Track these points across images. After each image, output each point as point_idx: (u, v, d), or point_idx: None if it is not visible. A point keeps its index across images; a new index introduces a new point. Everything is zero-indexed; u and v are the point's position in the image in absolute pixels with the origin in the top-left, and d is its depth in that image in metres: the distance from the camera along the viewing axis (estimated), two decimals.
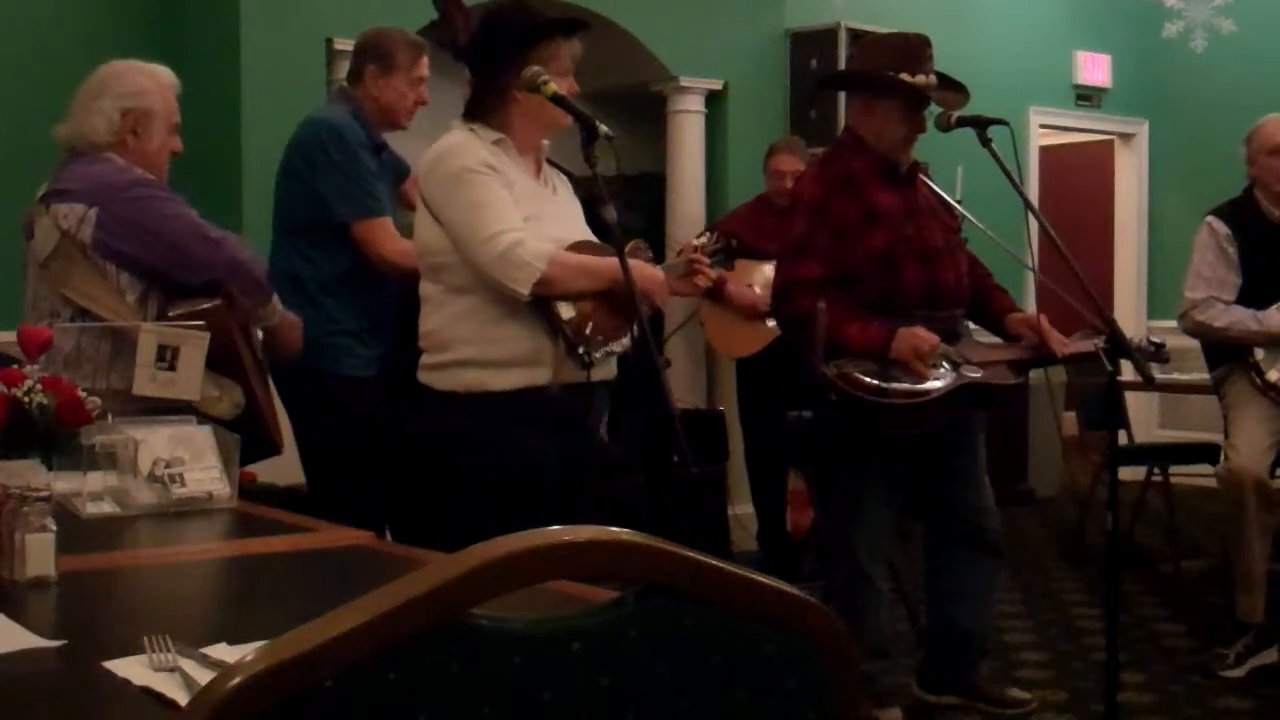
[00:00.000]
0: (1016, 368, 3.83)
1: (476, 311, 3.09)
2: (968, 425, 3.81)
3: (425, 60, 3.98)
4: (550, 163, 3.30)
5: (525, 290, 3.00)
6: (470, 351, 3.10)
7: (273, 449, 3.25)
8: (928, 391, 3.58)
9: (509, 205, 3.05)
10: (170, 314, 3.04)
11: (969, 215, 3.90)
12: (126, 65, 3.22)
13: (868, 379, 3.54)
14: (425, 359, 3.20)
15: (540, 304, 3.04)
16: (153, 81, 3.19)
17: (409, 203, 4.12)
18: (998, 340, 3.98)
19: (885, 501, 3.81)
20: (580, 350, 3.07)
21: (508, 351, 3.08)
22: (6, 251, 3.36)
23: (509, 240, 2.98)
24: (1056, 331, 3.81)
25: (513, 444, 3.09)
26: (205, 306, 3.04)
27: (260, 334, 3.37)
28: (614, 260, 2.89)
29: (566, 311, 3.07)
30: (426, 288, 3.19)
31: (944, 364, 3.64)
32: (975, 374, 3.67)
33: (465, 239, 3.04)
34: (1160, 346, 3.64)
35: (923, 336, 3.57)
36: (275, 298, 3.36)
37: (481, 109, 3.16)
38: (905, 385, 3.57)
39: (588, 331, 3.08)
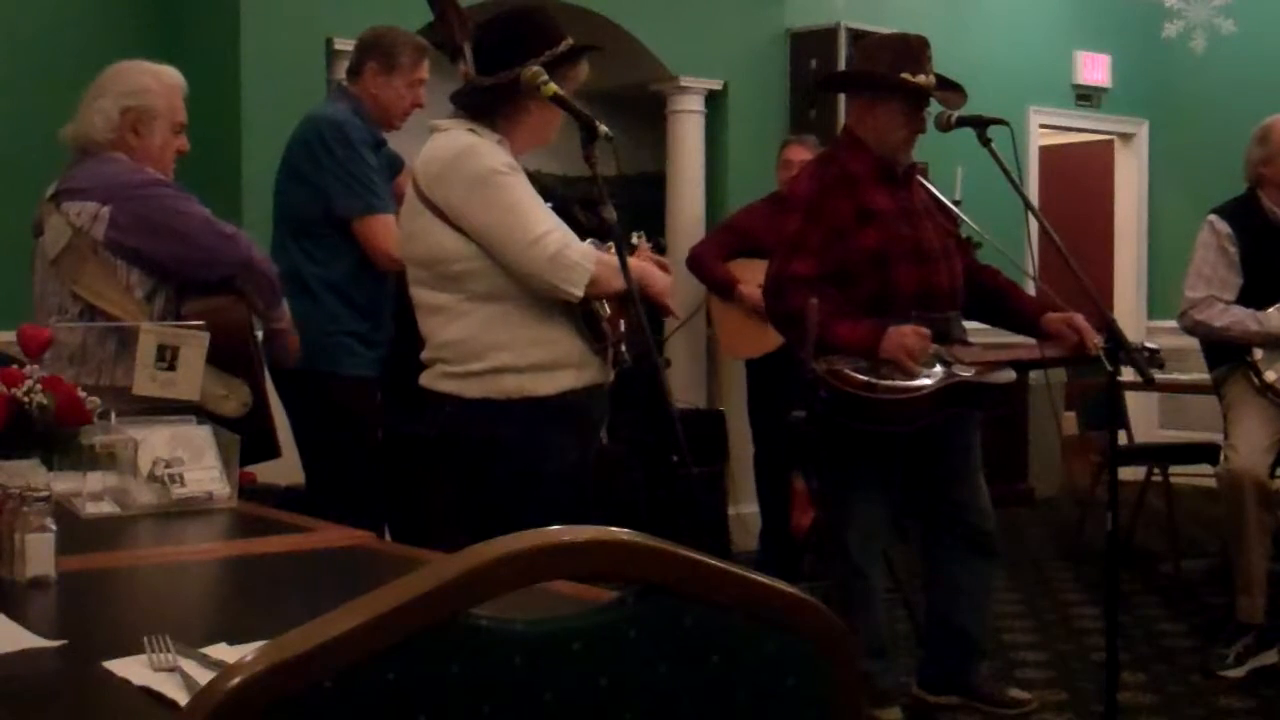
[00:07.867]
0: (1013, 368, 3.82)
1: (509, 317, 2.98)
2: (963, 425, 3.81)
3: (426, 64, 3.96)
4: None
5: (580, 291, 2.93)
6: (507, 358, 2.99)
7: (274, 450, 3.24)
8: (918, 388, 3.58)
9: (543, 206, 2.97)
10: (184, 309, 3.03)
11: (965, 218, 3.90)
12: (130, 65, 3.23)
13: (857, 375, 3.55)
14: (447, 369, 3.06)
15: (578, 305, 2.97)
16: (156, 81, 3.19)
17: (402, 197, 4.12)
18: (999, 341, 3.97)
19: (879, 500, 3.81)
20: (619, 350, 3.04)
21: (548, 355, 3.00)
22: (7, 251, 3.36)
23: (558, 241, 2.91)
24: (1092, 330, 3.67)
25: (557, 449, 3.01)
26: (220, 300, 3.05)
27: (260, 335, 3.37)
28: (637, 261, 2.87)
29: (602, 312, 3.04)
30: (437, 297, 3.04)
31: (936, 364, 3.64)
32: (967, 373, 3.67)
33: (506, 242, 2.93)
34: (1155, 352, 3.61)
35: (913, 334, 3.56)
36: (285, 303, 3.36)
37: (486, 110, 3.03)
38: (895, 382, 3.57)
39: (620, 331, 3.07)
